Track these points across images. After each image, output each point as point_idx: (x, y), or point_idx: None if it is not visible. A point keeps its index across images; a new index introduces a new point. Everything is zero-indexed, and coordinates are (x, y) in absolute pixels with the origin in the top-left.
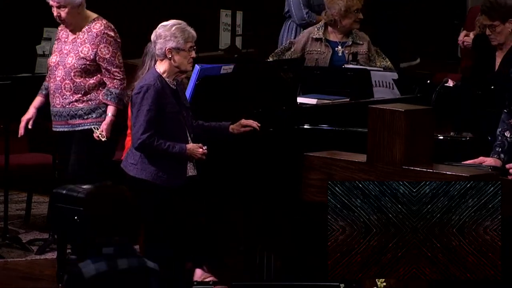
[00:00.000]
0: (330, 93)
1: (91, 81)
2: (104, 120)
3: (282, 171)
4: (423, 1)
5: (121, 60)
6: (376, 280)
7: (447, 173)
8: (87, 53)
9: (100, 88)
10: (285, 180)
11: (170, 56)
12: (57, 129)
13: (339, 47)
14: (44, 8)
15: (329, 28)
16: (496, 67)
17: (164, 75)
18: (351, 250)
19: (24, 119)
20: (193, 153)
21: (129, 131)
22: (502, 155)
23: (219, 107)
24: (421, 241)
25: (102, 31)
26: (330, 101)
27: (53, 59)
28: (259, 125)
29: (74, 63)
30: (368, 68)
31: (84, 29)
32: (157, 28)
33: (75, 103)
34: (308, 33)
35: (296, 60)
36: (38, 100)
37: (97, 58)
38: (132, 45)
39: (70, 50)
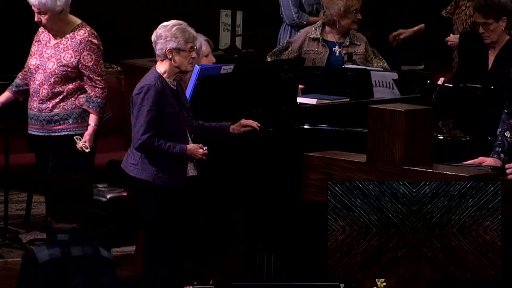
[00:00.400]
0: (330, 93)
1: (70, 86)
2: (81, 124)
3: (282, 171)
4: (423, 1)
5: (103, 69)
6: (376, 280)
7: (447, 173)
8: (70, 60)
9: (78, 93)
10: (285, 180)
11: (170, 56)
12: (33, 133)
13: (336, 47)
14: None
15: (327, 28)
16: (489, 66)
17: (164, 76)
18: (351, 250)
19: None
20: (194, 154)
21: None
22: (502, 155)
23: (219, 107)
24: (421, 241)
25: (86, 38)
26: (330, 101)
27: (32, 61)
28: (259, 125)
29: (55, 69)
30: (368, 68)
31: (67, 35)
32: (157, 29)
33: (52, 108)
34: (305, 32)
35: (296, 60)
36: (4, 96)
37: (79, 66)
38: (131, 45)
39: (51, 55)
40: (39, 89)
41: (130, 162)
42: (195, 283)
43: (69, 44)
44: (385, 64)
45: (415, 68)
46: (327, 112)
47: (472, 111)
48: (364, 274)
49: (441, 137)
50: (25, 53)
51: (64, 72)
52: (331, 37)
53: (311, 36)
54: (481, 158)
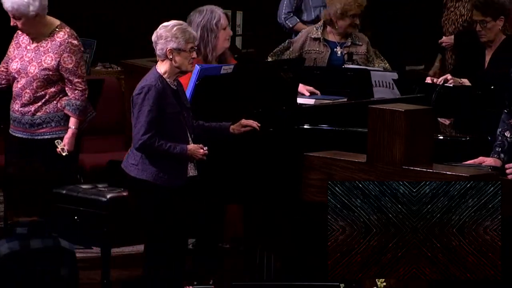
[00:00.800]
0: (329, 93)
1: (52, 89)
2: (64, 127)
3: (282, 171)
4: (423, 1)
5: (84, 70)
6: (376, 280)
7: (447, 173)
8: (50, 63)
9: (60, 96)
10: (285, 180)
11: (171, 56)
12: (15, 134)
13: (338, 47)
14: None
15: (328, 28)
16: (485, 65)
17: (165, 76)
18: (351, 250)
19: None
20: (194, 154)
21: None
22: (502, 155)
23: (219, 107)
24: (421, 241)
25: (66, 40)
26: (330, 101)
27: (13, 65)
28: (259, 125)
29: (37, 73)
30: (368, 68)
31: (47, 38)
32: (158, 29)
33: (34, 112)
34: (306, 32)
35: (296, 60)
36: None
37: (60, 68)
38: (131, 45)
39: (32, 58)
40: (21, 92)
41: (130, 162)
42: (195, 283)
43: (49, 47)
44: (387, 65)
45: (415, 68)
46: (327, 112)
47: (472, 111)
48: (364, 274)
49: (441, 137)
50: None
51: (46, 76)
52: (332, 37)
53: (312, 36)
54: (481, 158)
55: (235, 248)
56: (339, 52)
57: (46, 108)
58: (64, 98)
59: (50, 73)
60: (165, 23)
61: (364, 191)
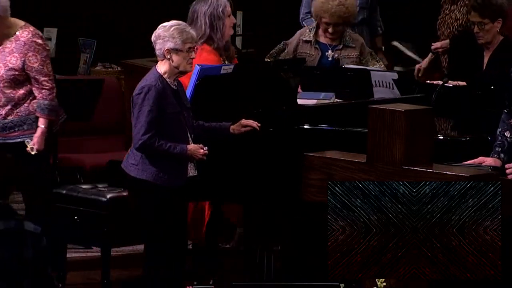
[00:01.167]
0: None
1: (21, 91)
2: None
3: (282, 171)
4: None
5: (50, 69)
6: (376, 280)
7: (447, 173)
8: (16, 63)
9: (31, 98)
10: (285, 180)
11: (168, 56)
12: None
13: (330, 51)
14: (44, 8)
15: (320, 30)
16: (484, 67)
17: (165, 76)
18: (351, 250)
19: None
20: (194, 154)
21: None
22: (502, 155)
23: (219, 107)
24: (421, 241)
25: (30, 39)
26: (329, 101)
27: None
28: (259, 125)
29: (3, 74)
30: (368, 68)
31: (12, 38)
32: (157, 29)
33: (5, 116)
34: (299, 34)
35: (296, 60)
36: None
37: (25, 67)
38: (131, 45)
39: None
40: None
41: (130, 162)
42: (195, 283)
43: (14, 47)
44: (382, 66)
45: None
46: (327, 112)
47: (472, 111)
48: (364, 274)
49: (441, 137)
50: None
51: (12, 76)
52: (324, 39)
53: (304, 39)
54: (481, 158)
55: (235, 248)
56: (330, 56)
57: (17, 111)
58: (35, 100)
59: (16, 73)
60: (164, 23)
61: (364, 191)
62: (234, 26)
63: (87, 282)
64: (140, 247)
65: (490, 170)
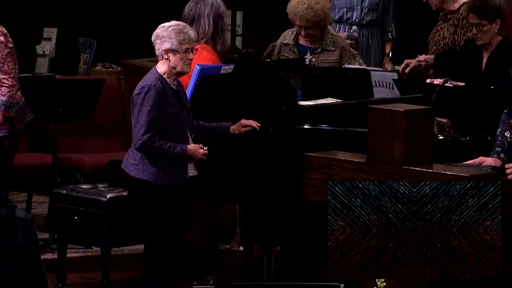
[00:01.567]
0: (329, 93)
1: None
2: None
3: (282, 171)
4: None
5: (12, 66)
6: (376, 280)
7: (447, 173)
8: None
9: None
10: (285, 180)
11: (166, 57)
12: None
13: (308, 54)
14: (44, 8)
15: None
16: (482, 68)
17: (165, 76)
18: (351, 250)
19: None
20: (194, 154)
21: None
22: (502, 155)
23: (219, 107)
24: (421, 241)
25: None
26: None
27: None
28: (259, 125)
29: None
30: (368, 68)
31: None
32: (157, 28)
33: None
34: (282, 37)
35: (296, 60)
36: None
37: None
38: (131, 45)
39: None
40: None
41: (130, 162)
42: (195, 283)
43: None
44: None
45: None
46: (327, 112)
47: (472, 111)
48: (364, 274)
49: (441, 137)
50: (26, 53)
51: None
52: (304, 42)
53: (284, 42)
54: (481, 158)
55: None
56: (308, 60)
57: None
58: None
59: None
60: (164, 23)
61: (364, 191)
62: (234, 26)
63: (87, 282)
64: (140, 247)
65: (490, 170)
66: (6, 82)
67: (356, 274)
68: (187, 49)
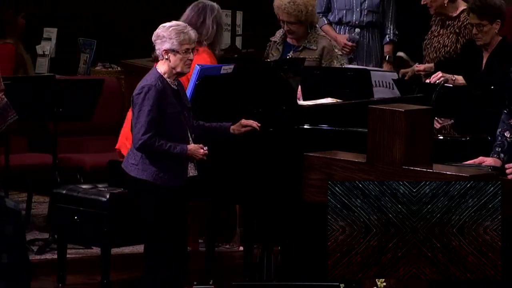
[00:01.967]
0: (329, 93)
1: None
2: None
3: (282, 171)
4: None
5: None
6: (376, 280)
7: (447, 173)
8: None
9: None
10: (285, 180)
11: (166, 57)
12: None
13: (291, 52)
14: (44, 8)
15: None
16: (482, 67)
17: (165, 76)
18: (351, 250)
19: None
20: (194, 154)
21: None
22: (502, 155)
23: (219, 107)
24: (421, 241)
25: None
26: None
27: None
28: (259, 125)
29: None
30: (368, 68)
31: None
32: (158, 28)
33: None
34: (274, 36)
35: (296, 60)
36: None
37: None
38: (131, 45)
39: None
40: None
41: (130, 162)
42: (195, 283)
43: None
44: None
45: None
46: (327, 112)
47: (472, 111)
48: (364, 274)
49: (441, 137)
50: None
51: None
52: (291, 40)
53: (273, 39)
54: (481, 158)
55: (234, 248)
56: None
57: None
58: None
59: None
60: (165, 23)
61: (364, 191)
62: (234, 26)
63: (87, 282)
64: (140, 247)
65: (490, 170)
66: None
67: (356, 274)
68: (188, 49)
